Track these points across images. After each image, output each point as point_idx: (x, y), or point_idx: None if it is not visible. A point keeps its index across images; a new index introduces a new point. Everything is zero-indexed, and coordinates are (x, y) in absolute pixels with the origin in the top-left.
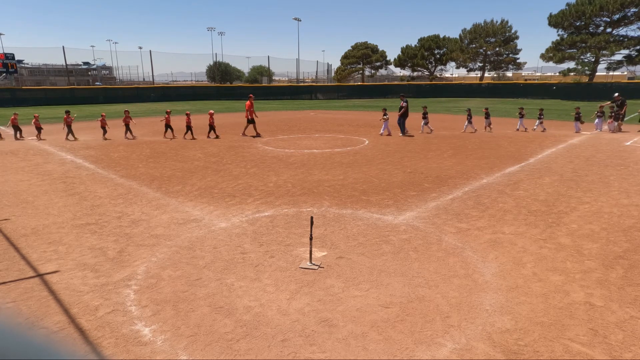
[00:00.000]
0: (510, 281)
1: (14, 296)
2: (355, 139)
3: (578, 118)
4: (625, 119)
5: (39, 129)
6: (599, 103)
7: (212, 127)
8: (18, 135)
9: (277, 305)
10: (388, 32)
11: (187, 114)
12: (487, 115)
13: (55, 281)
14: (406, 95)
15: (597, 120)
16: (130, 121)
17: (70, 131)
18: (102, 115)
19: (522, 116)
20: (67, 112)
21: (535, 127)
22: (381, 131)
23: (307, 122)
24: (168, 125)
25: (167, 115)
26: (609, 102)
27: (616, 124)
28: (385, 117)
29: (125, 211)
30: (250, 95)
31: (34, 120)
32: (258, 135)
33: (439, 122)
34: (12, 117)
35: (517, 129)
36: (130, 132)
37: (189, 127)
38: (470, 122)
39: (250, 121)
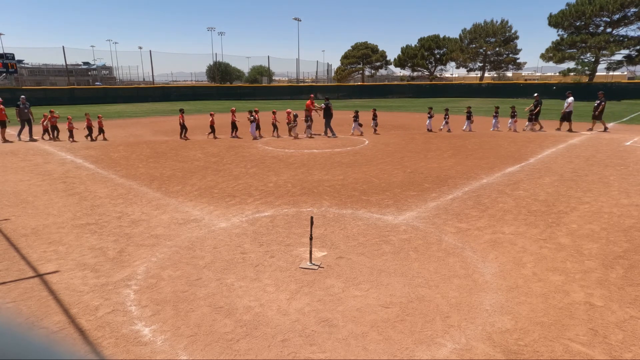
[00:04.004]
0: (510, 281)
1: (14, 296)
2: (355, 139)
3: (513, 116)
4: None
5: (95, 128)
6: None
7: (275, 125)
8: (48, 136)
9: (277, 305)
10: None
11: (273, 112)
12: (374, 117)
13: (55, 281)
14: (330, 97)
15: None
16: (236, 120)
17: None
18: (210, 115)
19: (430, 116)
20: (182, 111)
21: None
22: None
23: None
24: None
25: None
26: (532, 105)
27: (528, 124)
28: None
29: (125, 211)
30: (312, 95)
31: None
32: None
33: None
34: (50, 116)
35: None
36: (236, 131)
37: (275, 125)
38: (357, 123)
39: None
